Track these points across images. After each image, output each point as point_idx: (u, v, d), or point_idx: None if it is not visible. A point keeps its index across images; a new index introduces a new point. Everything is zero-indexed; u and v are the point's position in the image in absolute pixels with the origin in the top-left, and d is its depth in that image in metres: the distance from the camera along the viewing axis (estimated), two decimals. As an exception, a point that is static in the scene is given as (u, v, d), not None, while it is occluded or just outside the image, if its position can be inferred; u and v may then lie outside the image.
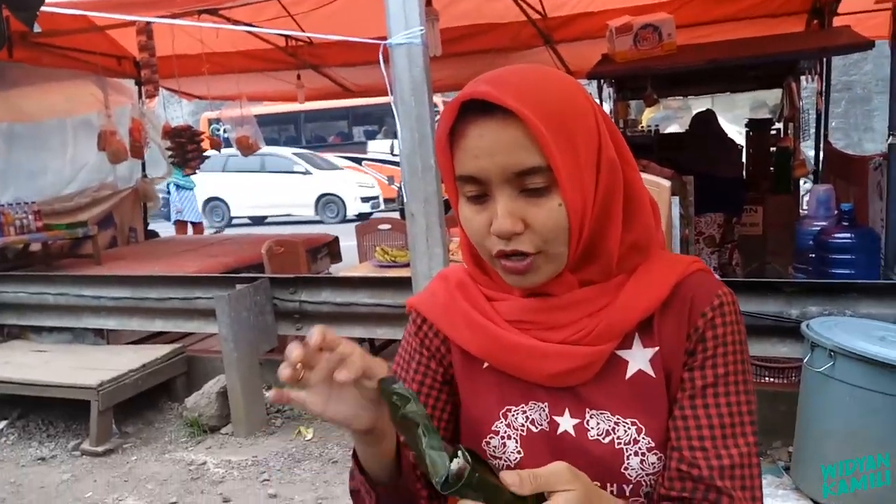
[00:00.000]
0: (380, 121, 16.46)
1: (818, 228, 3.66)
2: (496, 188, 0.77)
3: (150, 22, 5.61)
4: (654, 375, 0.83)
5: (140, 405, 4.09)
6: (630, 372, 0.84)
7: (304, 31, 6.14)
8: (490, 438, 0.88)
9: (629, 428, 0.82)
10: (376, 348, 4.66)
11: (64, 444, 3.79)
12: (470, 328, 0.88)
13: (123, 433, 3.89)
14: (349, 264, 6.15)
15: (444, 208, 3.44)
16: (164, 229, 8.98)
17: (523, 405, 0.87)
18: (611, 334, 0.82)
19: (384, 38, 3.32)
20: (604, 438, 0.83)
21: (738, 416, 0.81)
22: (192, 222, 9.57)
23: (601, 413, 0.84)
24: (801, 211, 5.05)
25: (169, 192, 9.58)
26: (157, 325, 4.54)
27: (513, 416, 0.88)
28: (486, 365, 0.90)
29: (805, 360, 2.66)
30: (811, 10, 5.64)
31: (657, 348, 0.84)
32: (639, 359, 0.84)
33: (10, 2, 2.62)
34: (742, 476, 0.79)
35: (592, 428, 0.84)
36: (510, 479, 0.65)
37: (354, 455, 0.83)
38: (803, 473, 2.73)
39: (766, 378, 3.58)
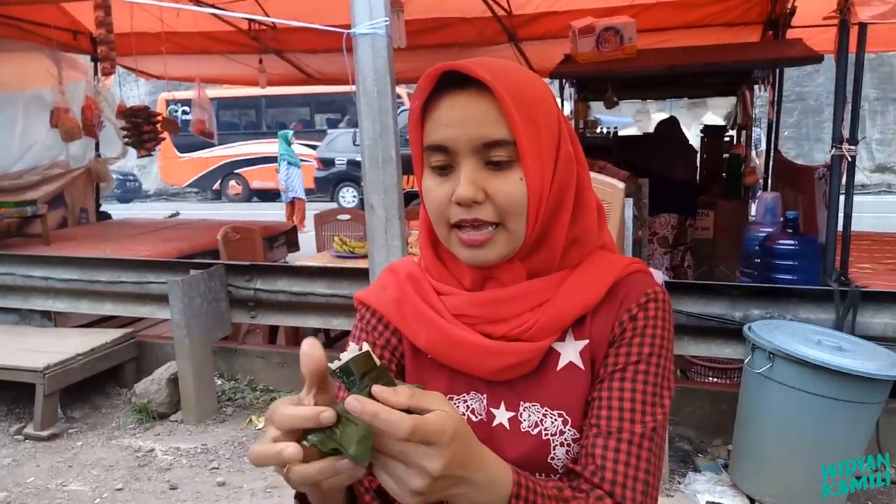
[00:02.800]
0: (342, 109, 16.32)
1: (764, 234, 3.79)
2: (462, 158, 0.81)
3: (108, -3, 5.47)
4: (582, 368, 0.87)
5: (87, 390, 4.01)
6: (561, 364, 0.88)
7: (268, 15, 6.05)
8: None
9: (556, 420, 0.86)
10: (331, 339, 4.66)
11: (6, 428, 3.70)
12: (419, 322, 0.90)
13: (69, 418, 3.82)
14: (307, 254, 6.11)
15: (403, 201, 3.46)
16: (116, 212, 8.81)
17: (465, 395, 0.90)
18: (550, 330, 0.86)
19: (349, 27, 3.31)
20: (533, 430, 0.87)
21: (641, 403, 0.82)
22: (296, 198, 10.43)
23: (533, 405, 0.87)
24: (750, 217, 5.21)
25: (279, 170, 10.54)
26: (108, 309, 4.45)
27: (454, 404, 0.90)
28: (430, 356, 0.92)
29: (745, 361, 2.77)
30: (767, 21, 5.81)
31: (587, 341, 0.87)
32: (570, 351, 0.88)
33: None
34: (627, 462, 0.80)
35: (525, 420, 0.88)
36: (382, 393, 0.63)
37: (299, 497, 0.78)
38: (741, 470, 2.84)
39: (710, 378, 3.71)
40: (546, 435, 0.86)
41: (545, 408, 0.87)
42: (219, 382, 4.07)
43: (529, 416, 0.87)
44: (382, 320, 0.95)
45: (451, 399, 0.91)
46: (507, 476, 0.71)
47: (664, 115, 6.25)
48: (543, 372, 0.88)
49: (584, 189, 0.89)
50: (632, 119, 12.20)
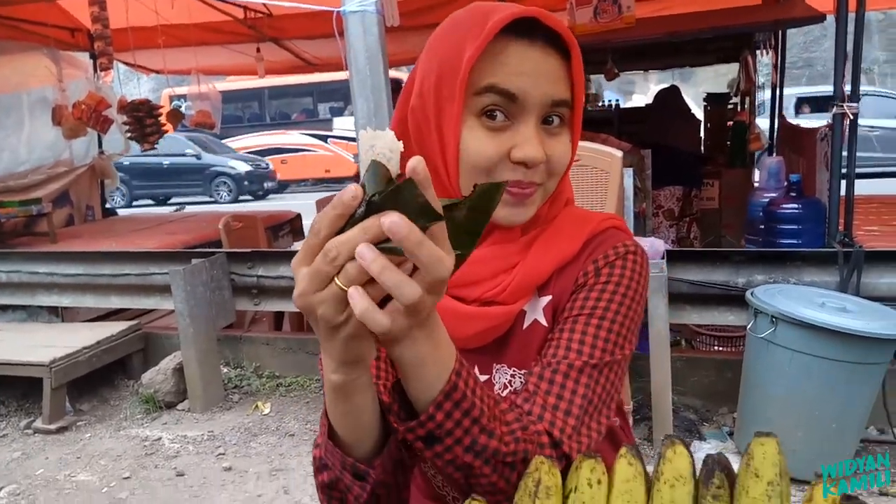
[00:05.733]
0: (346, 97, 16.26)
1: (767, 200, 3.73)
2: (526, 113, 0.76)
3: (101, -9, 5.46)
4: (545, 324, 0.85)
5: (95, 382, 4.04)
6: (527, 322, 0.86)
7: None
8: None
9: (524, 379, 0.83)
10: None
11: (16, 423, 3.73)
12: None
13: (78, 411, 3.85)
14: (311, 240, 6.10)
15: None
16: (123, 208, 8.85)
17: None
18: (524, 291, 0.83)
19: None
20: (503, 392, 0.85)
21: (591, 346, 0.78)
22: None
23: (502, 366, 0.86)
24: (754, 183, 5.14)
25: None
26: (113, 302, 4.47)
27: None
28: None
29: (748, 327, 2.73)
30: (768, -17, 5.69)
31: (550, 297, 0.85)
32: (536, 308, 0.86)
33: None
34: (559, 394, 0.75)
35: (497, 382, 0.86)
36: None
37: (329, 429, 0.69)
38: (746, 437, 2.80)
39: (715, 346, 3.67)
40: None
41: (513, 368, 0.85)
42: (225, 370, 4.08)
43: (500, 377, 0.86)
44: None
45: None
46: (452, 348, 0.64)
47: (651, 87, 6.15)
48: (513, 332, 0.85)
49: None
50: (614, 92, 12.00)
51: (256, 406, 3.71)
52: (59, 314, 4.65)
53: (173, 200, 15.84)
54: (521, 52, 0.75)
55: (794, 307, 2.55)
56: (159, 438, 3.42)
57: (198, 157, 15.52)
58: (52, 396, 3.63)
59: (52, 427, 3.60)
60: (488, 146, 0.76)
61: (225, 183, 15.50)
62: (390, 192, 0.52)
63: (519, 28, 0.75)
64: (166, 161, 15.43)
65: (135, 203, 15.91)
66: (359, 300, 0.52)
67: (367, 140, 0.54)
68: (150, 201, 16.14)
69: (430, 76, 0.78)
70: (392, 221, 0.50)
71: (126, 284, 4.31)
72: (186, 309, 3.71)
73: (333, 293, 0.54)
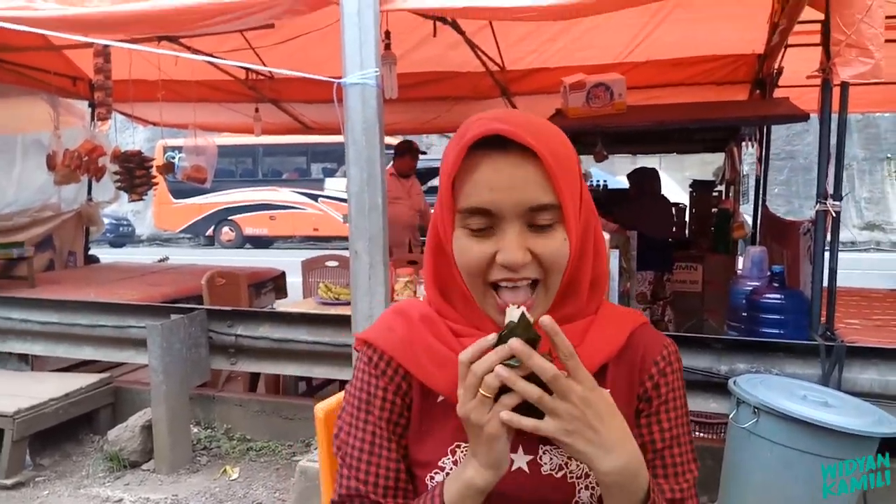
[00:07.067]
0: (339, 159, 16.48)
1: (750, 288, 3.77)
2: (507, 222, 0.81)
3: (108, 45, 5.56)
4: None
5: (60, 436, 3.91)
6: None
7: (265, 65, 6.16)
8: (435, 473, 0.90)
9: (581, 463, 0.86)
10: (313, 388, 4.57)
11: (-30, 475, 3.58)
12: (435, 363, 0.89)
13: (38, 465, 3.71)
14: (295, 300, 6.06)
15: (388, 249, 3.44)
16: (108, 256, 8.77)
17: None
18: None
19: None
20: (556, 473, 0.88)
21: (687, 454, 0.94)
22: None
23: (555, 448, 0.88)
24: (737, 270, 5.21)
25: None
26: (87, 353, 4.37)
27: (462, 451, 0.89)
28: (441, 398, 0.91)
29: (731, 416, 2.71)
30: (755, 80, 5.92)
31: (608, 390, 0.87)
32: None
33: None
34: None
35: (546, 463, 0.88)
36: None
37: None
38: (726, 530, 2.74)
39: (697, 433, 3.63)
40: (571, 478, 0.87)
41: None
42: (195, 430, 3.97)
43: (551, 459, 0.88)
44: (391, 363, 0.93)
45: (458, 447, 0.91)
46: (644, 471, 0.80)
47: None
48: None
49: (598, 232, 0.91)
50: None
51: (225, 470, 3.59)
52: (29, 362, 4.53)
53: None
54: (492, 167, 0.80)
55: (777, 399, 2.55)
56: (120, 500, 3.29)
57: None
58: (13, 449, 3.50)
59: (9, 482, 3.45)
60: (474, 252, 0.83)
61: None
62: (509, 329, 0.77)
63: (492, 141, 0.80)
64: None
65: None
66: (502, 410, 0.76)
67: (513, 310, 0.80)
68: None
69: (440, 188, 0.88)
70: (512, 341, 0.74)
71: (102, 336, 4.23)
72: (161, 365, 3.63)
73: (480, 399, 0.76)
